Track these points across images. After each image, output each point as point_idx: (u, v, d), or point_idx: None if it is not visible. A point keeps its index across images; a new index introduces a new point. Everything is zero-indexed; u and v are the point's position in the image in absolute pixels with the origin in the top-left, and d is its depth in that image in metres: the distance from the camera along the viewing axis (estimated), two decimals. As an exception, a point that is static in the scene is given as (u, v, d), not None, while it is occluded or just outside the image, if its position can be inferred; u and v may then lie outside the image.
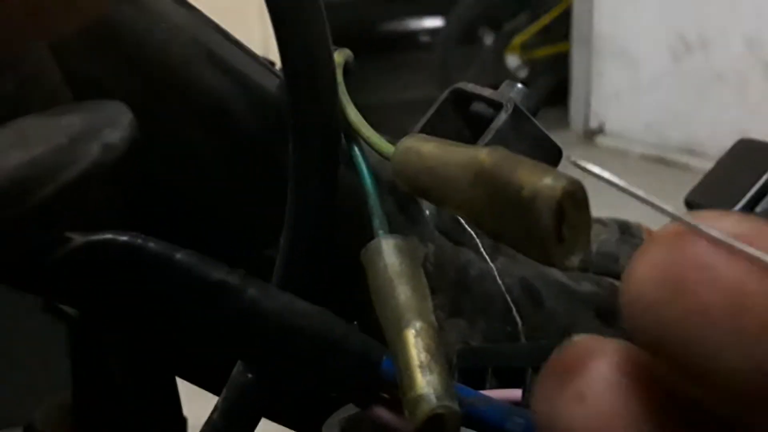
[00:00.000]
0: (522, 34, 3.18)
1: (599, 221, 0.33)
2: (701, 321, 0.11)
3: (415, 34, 3.78)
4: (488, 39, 3.20)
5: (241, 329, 0.18)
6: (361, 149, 0.24)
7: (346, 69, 0.26)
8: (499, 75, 2.90)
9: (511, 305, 0.29)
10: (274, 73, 0.27)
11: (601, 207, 0.27)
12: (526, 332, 0.29)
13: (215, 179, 0.25)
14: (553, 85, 3.10)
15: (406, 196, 0.28)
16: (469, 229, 0.29)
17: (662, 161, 2.75)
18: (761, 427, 0.11)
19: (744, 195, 0.33)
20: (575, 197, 0.12)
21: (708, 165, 0.38)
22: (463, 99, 0.30)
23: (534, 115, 0.28)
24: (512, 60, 3.20)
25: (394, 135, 0.25)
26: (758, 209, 0.32)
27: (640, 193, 0.12)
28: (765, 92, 2.47)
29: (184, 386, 0.27)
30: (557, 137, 0.29)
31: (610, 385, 0.13)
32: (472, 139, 0.29)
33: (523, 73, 3.15)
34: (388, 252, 0.18)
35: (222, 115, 0.25)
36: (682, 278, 0.11)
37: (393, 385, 0.17)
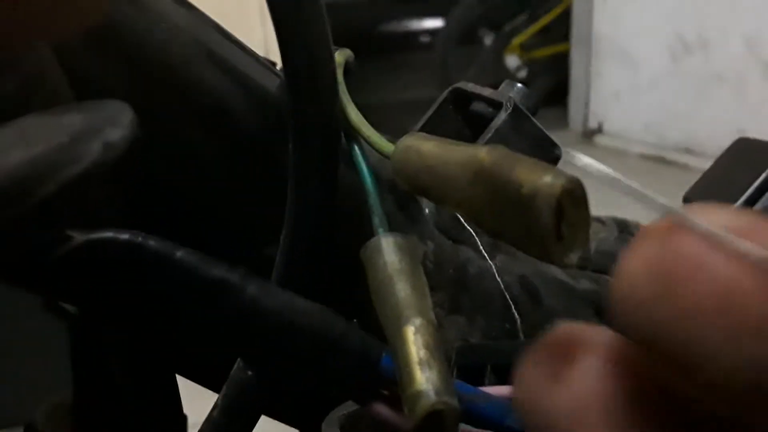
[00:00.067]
0: (521, 35, 3.18)
1: (598, 220, 0.33)
2: (693, 317, 0.11)
3: (415, 35, 3.78)
4: (488, 39, 3.20)
5: (241, 327, 0.18)
6: (361, 148, 0.24)
7: (347, 69, 0.26)
8: (498, 75, 2.90)
9: (510, 303, 0.29)
10: (274, 72, 0.27)
11: (599, 205, 0.27)
12: (524, 329, 0.29)
13: (215, 179, 0.25)
14: (553, 85, 3.10)
15: (406, 195, 0.28)
16: (468, 228, 0.30)
17: (661, 161, 2.75)
18: (753, 423, 0.11)
19: (742, 193, 0.33)
20: (574, 195, 0.12)
21: (707, 165, 0.38)
22: (463, 98, 0.30)
23: (533, 114, 0.28)
24: (512, 60, 3.20)
25: (394, 134, 0.25)
26: (756, 207, 0.32)
27: (634, 184, 0.12)
28: (764, 92, 2.47)
29: (184, 384, 0.27)
30: (556, 137, 0.29)
31: (592, 369, 0.13)
32: (472, 138, 0.29)
33: (522, 74, 3.15)
34: (388, 250, 0.18)
35: (222, 114, 0.25)
36: (674, 273, 0.11)
37: (392, 382, 0.17)
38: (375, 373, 0.18)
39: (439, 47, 3.13)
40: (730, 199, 0.33)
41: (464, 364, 0.24)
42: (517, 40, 3.18)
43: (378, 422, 0.19)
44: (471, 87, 0.30)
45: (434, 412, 0.16)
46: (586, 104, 3.05)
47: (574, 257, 0.13)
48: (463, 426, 0.18)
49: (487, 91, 0.29)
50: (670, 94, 2.74)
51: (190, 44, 0.24)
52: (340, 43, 0.26)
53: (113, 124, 0.15)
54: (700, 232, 0.11)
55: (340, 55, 0.25)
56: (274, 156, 0.25)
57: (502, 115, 0.27)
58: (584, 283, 0.31)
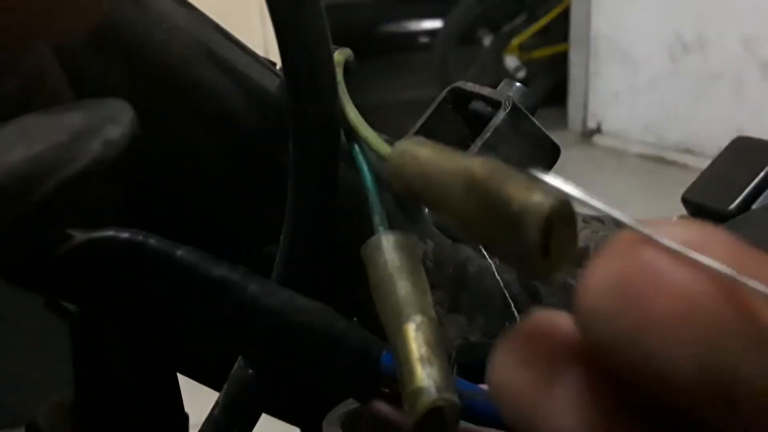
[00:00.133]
0: (520, 35, 3.19)
1: (597, 219, 0.33)
2: (652, 327, 0.11)
3: (414, 35, 3.78)
4: (487, 40, 3.20)
5: (241, 325, 0.18)
6: (361, 147, 0.24)
7: (347, 68, 0.26)
8: (497, 75, 2.90)
9: (510, 301, 0.29)
10: (274, 72, 0.27)
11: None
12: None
13: (215, 179, 0.25)
14: (552, 86, 3.10)
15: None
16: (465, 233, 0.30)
17: (660, 161, 2.75)
18: (713, 422, 0.11)
19: (741, 192, 0.33)
20: (563, 214, 0.13)
21: (706, 164, 0.38)
22: (462, 98, 0.31)
23: (532, 113, 0.29)
24: (511, 61, 3.20)
25: (394, 135, 0.25)
26: (755, 206, 0.32)
27: (599, 204, 0.12)
28: (762, 92, 2.47)
29: (185, 383, 0.27)
30: (555, 137, 0.29)
31: (560, 355, 0.13)
32: (471, 137, 0.29)
33: (521, 74, 3.16)
34: (388, 248, 0.19)
35: (222, 114, 0.25)
36: (632, 287, 0.11)
37: (393, 380, 0.17)
38: (375, 371, 0.18)
39: (439, 48, 3.13)
40: (730, 198, 0.33)
41: (464, 362, 0.24)
42: (516, 41, 3.18)
43: (378, 420, 0.19)
44: (470, 86, 0.30)
45: (435, 409, 0.16)
46: (585, 104, 3.06)
47: (560, 275, 0.13)
48: (463, 423, 0.18)
49: (485, 90, 0.29)
50: (669, 94, 2.74)
51: (190, 44, 0.24)
52: (340, 44, 0.26)
53: (113, 122, 0.15)
54: (658, 246, 0.11)
55: (340, 55, 0.25)
56: (274, 156, 0.25)
57: (501, 114, 0.27)
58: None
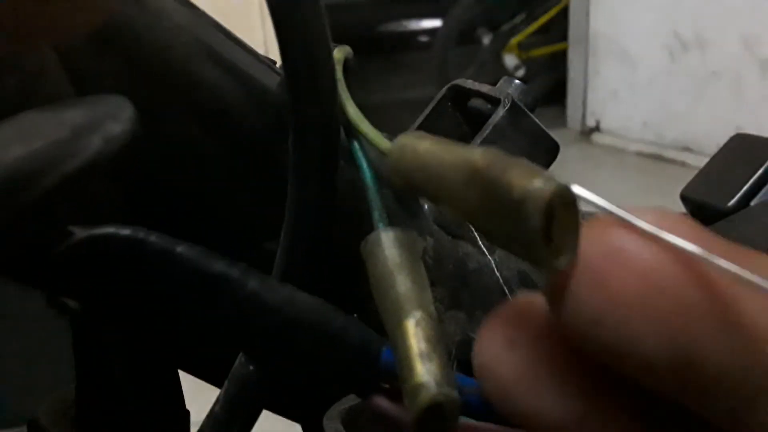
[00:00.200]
0: (519, 34, 3.19)
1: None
2: (619, 306, 0.11)
3: (414, 35, 3.79)
4: (486, 39, 3.20)
5: (241, 321, 0.18)
6: (361, 144, 0.24)
7: (346, 65, 0.26)
8: (497, 74, 2.89)
9: (510, 298, 0.29)
10: (275, 71, 0.27)
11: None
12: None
13: (216, 176, 0.25)
14: (551, 84, 3.11)
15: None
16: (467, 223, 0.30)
17: (659, 159, 2.76)
18: (687, 405, 0.12)
19: (740, 188, 0.33)
20: (565, 200, 0.13)
21: (705, 162, 0.38)
22: (461, 95, 0.31)
23: (531, 110, 0.29)
24: (510, 59, 3.20)
25: (393, 134, 0.25)
26: (754, 202, 0.32)
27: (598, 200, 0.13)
28: (761, 90, 2.47)
29: (186, 380, 0.27)
30: (555, 136, 0.29)
31: (539, 335, 0.13)
32: (470, 134, 0.29)
33: (520, 73, 3.16)
34: (388, 244, 0.19)
35: (223, 113, 0.25)
36: (599, 268, 0.12)
37: (393, 376, 0.17)
38: (375, 367, 0.18)
39: (438, 47, 3.13)
40: (728, 194, 0.33)
41: (465, 359, 0.24)
42: (515, 40, 3.19)
43: (379, 416, 0.19)
44: (469, 83, 0.30)
45: (435, 405, 0.16)
46: (584, 103, 3.06)
47: (563, 261, 0.13)
48: (463, 419, 0.18)
49: (485, 88, 0.29)
50: (667, 92, 2.74)
51: (191, 43, 0.24)
52: (340, 43, 0.26)
53: (113, 118, 0.15)
54: (628, 227, 0.12)
55: (339, 52, 0.25)
56: (274, 154, 0.25)
57: (500, 111, 0.28)
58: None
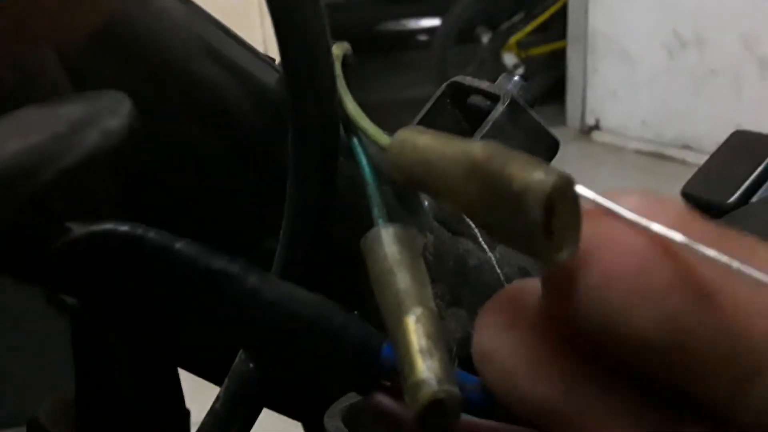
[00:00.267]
0: (518, 33, 3.19)
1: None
2: (609, 288, 0.12)
3: (413, 34, 3.79)
4: (485, 38, 3.20)
5: (241, 317, 0.18)
6: (360, 140, 0.24)
7: (345, 62, 0.26)
8: (496, 73, 2.89)
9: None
10: (274, 69, 0.27)
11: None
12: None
13: (215, 175, 0.25)
14: (550, 83, 3.11)
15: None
16: (467, 219, 0.30)
17: (659, 157, 2.76)
18: (675, 379, 0.12)
19: (740, 185, 0.33)
20: (566, 192, 0.12)
21: (704, 160, 0.38)
22: (460, 92, 0.31)
23: (531, 107, 0.29)
24: (509, 58, 3.20)
25: (393, 132, 0.25)
26: (754, 199, 0.32)
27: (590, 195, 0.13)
28: (760, 88, 2.48)
29: (186, 379, 0.27)
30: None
31: (534, 318, 0.14)
32: (470, 131, 0.29)
33: (520, 71, 3.16)
34: (388, 240, 0.19)
35: (222, 111, 0.25)
36: (591, 252, 0.12)
37: (393, 373, 0.17)
38: (376, 364, 0.18)
39: (437, 46, 3.13)
40: (729, 191, 0.33)
41: (465, 356, 0.24)
42: (514, 39, 3.19)
43: (380, 413, 0.19)
44: (468, 80, 0.30)
45: (436, 401, 0.16)
46: (584, 101, 3.06)
47: (564, 255, 0.13)
48: (464, 415, 0.18)
49: (484, 84, 0.29)
50: (667, 90, 2.74)
51: (190, 40, 0.24)
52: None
53: (111, 113, 0.15)
54: (615, 213, 0.12)
55: (338, 48, 0.25)
56: (273, 152, 0.25)
57: (500, 108, 0.27)
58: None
